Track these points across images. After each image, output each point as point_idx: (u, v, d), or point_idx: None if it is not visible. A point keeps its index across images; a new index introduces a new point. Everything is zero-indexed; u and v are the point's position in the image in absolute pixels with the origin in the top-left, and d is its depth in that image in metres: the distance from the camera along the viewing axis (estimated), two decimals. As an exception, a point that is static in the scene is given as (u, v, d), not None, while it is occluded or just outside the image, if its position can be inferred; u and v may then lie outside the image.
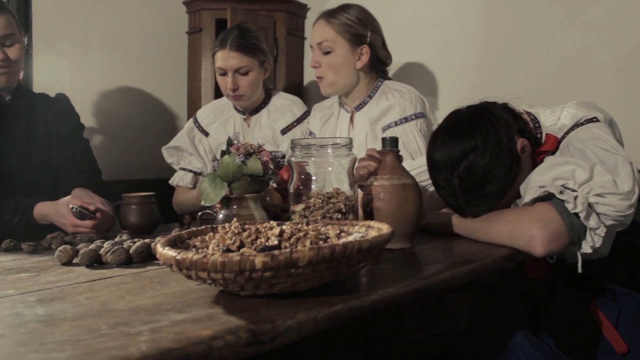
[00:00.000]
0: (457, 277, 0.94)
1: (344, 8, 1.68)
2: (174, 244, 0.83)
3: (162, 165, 2.60)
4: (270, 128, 1.92)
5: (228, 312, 0.68)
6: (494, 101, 1.27)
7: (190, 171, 2.00)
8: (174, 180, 2.03)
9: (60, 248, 1.05)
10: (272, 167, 1.08)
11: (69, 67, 2.27)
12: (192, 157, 2.00)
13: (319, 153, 1.05)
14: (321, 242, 0.85)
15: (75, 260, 1.06)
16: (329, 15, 1.66)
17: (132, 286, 0.84)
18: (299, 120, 1.92)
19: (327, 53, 1.64)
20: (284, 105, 1.95)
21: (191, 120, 2.06)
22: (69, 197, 1.42)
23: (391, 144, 1.13)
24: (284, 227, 0.85)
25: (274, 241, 0.83)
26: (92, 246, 1.05)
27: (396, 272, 0.95)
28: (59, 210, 1.40)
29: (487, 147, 1.13)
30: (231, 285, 0.71)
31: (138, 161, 2.46)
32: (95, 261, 1.01)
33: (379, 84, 1.70)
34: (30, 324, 0.65)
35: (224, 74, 1.82)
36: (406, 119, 1.61)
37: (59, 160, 1.67)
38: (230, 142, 1.12)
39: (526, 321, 1.26)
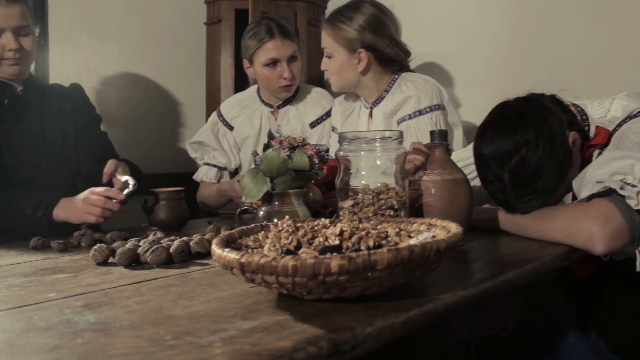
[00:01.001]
0: (521, 277, 0.89)
1: (338, 9, 1.68)
2: (226, 244, 0.77)
3: (179, 159, 2.55)
4: (299, 121, 1.86)
5: (298, 319, 0.63)
6: (542, 93, 1.21)
7: (214, 166, 1.95)
8: (197, 176, 1.98)
9: (96, 247, 1.00)
10: (316, 162, 1.03)
11: (85, 58, 2.20)
12: (216, 152, 1.95)
13: (367, 147, 0.99)
14: (384, 242, 0.79)
15: (110, 260, 1.01)
16: (328, 20, 1.67)
17: (181, 289, 0.79)
18: (328, 114, 1.85)
19: (329, 57, 1.67)
20: (313, 98, 1.89)
21: (215, 113, 2.00)
22: (87, 191, 1.37)
23: (440, 137, 1.07)
24: (342, 225, 0.80)
25: (334, 241, 0.77)
26: (128, 245, 1.00)
27: (455, 272, 0.89)
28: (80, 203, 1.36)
29: (539, 141, 1.08)
30: (298, 289, 0.66)
31: (154, 155, 2.40)
32: (134, 261, 0.96)
33: (396, 77, 1.66)
34: (86, 333, 0.60)
35: (274, 64, 1.76)
36: (420, 112, 1.56)
37: (77, 151, 1.62)
38: (271, 135, 1.06)
39: (575, 321, 1.21)
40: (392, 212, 0.97)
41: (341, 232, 0.78)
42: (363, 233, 0.78)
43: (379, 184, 1.01)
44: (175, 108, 2.50)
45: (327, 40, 1.65)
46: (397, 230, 0.84)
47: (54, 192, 1.43)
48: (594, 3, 1.89)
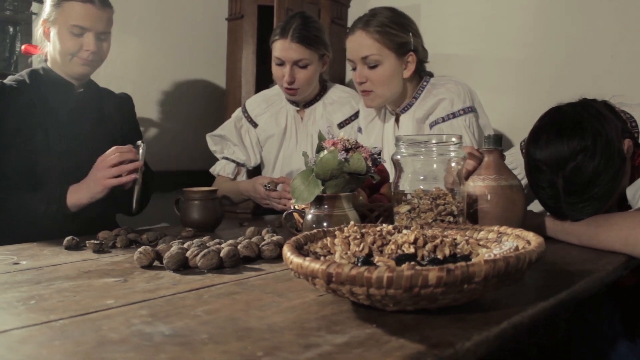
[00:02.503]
0: (590, 286, 0.86)
1: (379, 14, 1.54)
2: (298, 251, 0.73)
3: (196, 156, 2.50)
4: (327, 121, 1.82)
5: (389, 332, 0.59)
6: (594, 98, 1.18)
7: (233, 161, 1.90)
8: (215, 169, 1.94)
9: (141, 250, 0.96)
10: (370, 165, 0.99)
11: (104, 52, 2.15)
12: (237, 148, 1.90)
13: (425, 150, 0.96)
14: (457, 250, 0.76)
15: (155, 263, 0.97)
16: (367, 24, 1.52)
17: (245, 297, 0.75)
18: (356, 115, 1.81)
19: (374, 67, 1.51)
20: (342, 98, 1.84)
21: (239, 109, 1.95)
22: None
23: (495, 142, 1.04)
24: (415, 233, 0.76)
25: (409, 249, 0.74)
26: (174, 248, 0.96)
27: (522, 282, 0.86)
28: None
29: (597, 147, 1.05)
30: (386, 301, 0.62)
31: (171, 151, 2.36)
32: (182, 265, 0.92)
33: (425, 84, 1.60)
34: (166, 347, 0.56)
35: (281, 64, 1.72)
36: (454, 115, 1.51)
37: None
38: (322, 137, 1.03)
39: (623, 330, 1.19)
40: (451, 219, 0.94)
41: (415, 240, 0.75)
42: (437, 241, 0.75)
43: (433, 189, 0.98)
44: (193, 104, 2.45)
45: (373, 47, 1.50)
46: (466, 238, 0.81)
47: (62, 186, 1.39)
48: (620, 7, 1.86)
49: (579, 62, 1.92)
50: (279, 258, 1.01)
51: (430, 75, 1.65)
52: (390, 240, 0.78)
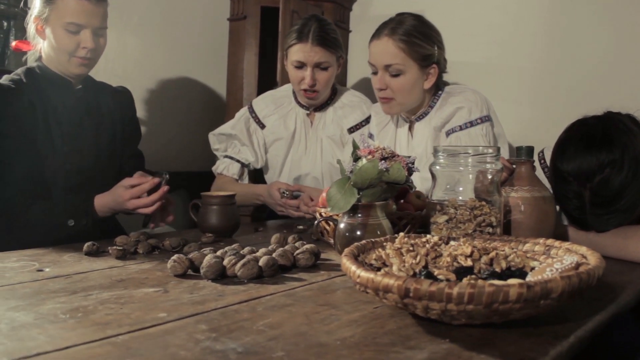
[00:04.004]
0: (632, 298, 0.88)
1: (406, 22, 1.52)
2: (360, 264, 0.72)
3: (195, 157, 2.46)
4: (337, 126, 1.80)
5: (465, 347, 0.59)
6: (618, 111, 1.21)
7: (238, 161, 1.86)
8: (217, 168, 1.88)
9: (175, 258, 0.93)
10: (406, 174, 0.99)
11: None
12: (245, 148, 1.85)
13: (463, 161, 0.96)
14: (512, 264, 0.76)
15: (189, 272, 0.94)
16: (394, 32, 1.49)
17: (302, 310, 0.73)
18: (367, 120, 1.80)
19: (396, 75, 1.50)
20: (353, 102, 1.83)
21: (246, 109, 1.91)
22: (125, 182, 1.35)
23: (527, 153, 1.05)
24: (471, 245, 0.76)
25: (467, 262, 0.74)
26: (209, 257, 0.94)
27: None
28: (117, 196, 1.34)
29: (624, 161, 1.07)
30: (459, 315, 0.62)
31: (169, 152, 2.31)
32: (220, 275, 0.90)
33: (440, 92, 1.60)
34: (247, 364, 0.54)
35: (301, 67, 1.70)
36: (472, 123, 1.51)
37: (121, 163, 1.57)
38: (356, 145, 1.02)
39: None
40: (490, 229, 0.95)
41: (471, 253, 0.75)
42: (493, 254, 0.75)
43: (468, 199, 0.99)
44: (192, 105, 2.41)
45: (398, 56, 1.48)
46: (514, 250, 0.82)
47: (80, 198, 1.38)
48: (629, 17, 1.90)
49: (591, 70, 1.94)
50: (314, 267, 1.00)
51: (445, 83, 1.66)
52: (442, 252, 0.78)
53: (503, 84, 2.12)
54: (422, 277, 0.71)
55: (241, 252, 0.99)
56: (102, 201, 1.36)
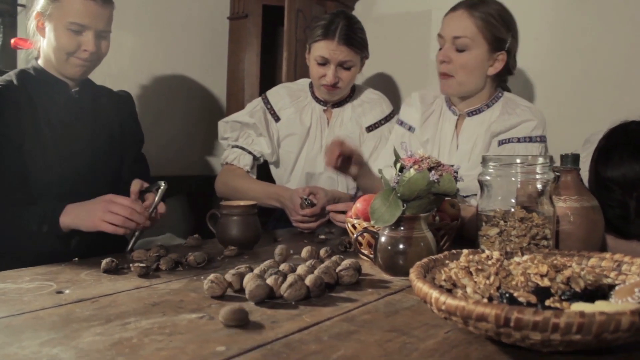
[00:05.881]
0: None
1: (488, 3, 1.45)
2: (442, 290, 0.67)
3: (193, 160, 2.37)
4: (356, 124, 1.73)
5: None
6: None
7: (250, 153, 1.73)
8: (227, 157, 1.75)
9: (212, 278, 0.86)
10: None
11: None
12: (262, 139, 1.74)
13: (514, 172, 0.92)
14: (589, 282, 0.72)
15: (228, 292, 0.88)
16: (473, 7, 1.42)
17: (371, 338, 0.67)
18: (387, 119, 1.74)
19: (462, 51, 1.42)
20: (372, 100, 1.76)
21: (260, 100, 1.79)
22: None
23: (573, 161, 1.01)
24: (541, 262, 0.72)
25: (544, 282, 0.69)
26: (251, 277, 0.87)
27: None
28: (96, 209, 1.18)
29: None
30: (553, 343, 0.57)
31: (168, 155, 2.22)
32: (267, 297, 0.84)
33: (500, 95, 1.53)
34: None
35: (324, 64, 1.63)
36: (531, 139, 1.44)
37: (121, 169, 1.47)
38: (397, 155, 0.96)
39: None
40: (545, 243, 0.90)
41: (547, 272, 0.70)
42: (568, 272, 0.71)
43: (516, 209, 0.94)
44: (191, 106, 2.32)
45: (470, 29, 1.40)
46: (582, 266, 0.77)
47: (57, 201, 1.25)
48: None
49: (599, 74, 1.92)
50: (357, 284, 0.94)
51: (507, 88, 1.58)
52: (510, 271, 0.73)
53: (516, 87, 2.09)
54: (505, 302, 0.66)
55: (281, 268, 0.93)
56: (71, 210, 1.20)
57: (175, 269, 1.06)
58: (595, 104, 1.91)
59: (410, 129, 1.60)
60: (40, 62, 1.38)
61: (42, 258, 1.10)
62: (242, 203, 1.25)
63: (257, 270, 0.92)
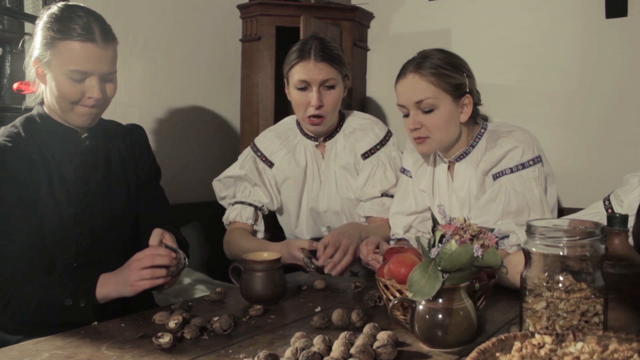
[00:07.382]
0: None
1: (431, 56, 1.42)
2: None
3: (206, 188, 2.29)
4: (350, 152, 1.65)
5: None
6: None
7: (251, 205, 1.67)
8: (229, 216, 1.68)
9: (262, 357, 0.81)
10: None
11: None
12: (257, 189, 1.68)
13: (563, 241, 0.86)
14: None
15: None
16: (420, 67, 1.40)
17: None
18: (382, 143, 1.66)
19: (429, 112, 1.40)
20: (363, 125, 1.68)
21: (249, 149, 1.74)
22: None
23: (621, 222, 0.95)
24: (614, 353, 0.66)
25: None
26: (303, 353, 0.82)
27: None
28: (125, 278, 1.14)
29: None
30: None
31: (181, 182, 2.17)
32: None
33: (482, 130, 1.48)
34: None
35: (305, 88, 1.56)
36: (523, 165, 1.40)
37: (137, 209, 1.40)
38: (436, 220, 0.91)
39: None
40: (597, 320, 0.85)
41: None
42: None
43: (563, 278, 0.88)
44: (204, 132, 2.27)
45: (428, 90, 1.39)
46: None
47: (85, 272, 1.21)
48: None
49: (627, 95, 1.86)
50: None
51: (485, 119, 1.55)
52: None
53: (534, 108, 2.03)
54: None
55: (317, 347, 0.87)
56: (107, 281, 1.17)
57: (201, 337, 1.01)
58: (618, 128, 1.85)
59: (404, 171, 1.60)
60: (45, 108, 1.29)
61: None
62: (266, 256, 1.19)
63: (289, 352, 0.86)
